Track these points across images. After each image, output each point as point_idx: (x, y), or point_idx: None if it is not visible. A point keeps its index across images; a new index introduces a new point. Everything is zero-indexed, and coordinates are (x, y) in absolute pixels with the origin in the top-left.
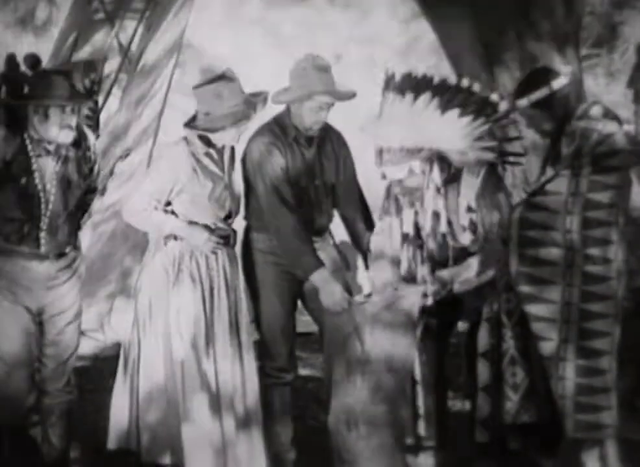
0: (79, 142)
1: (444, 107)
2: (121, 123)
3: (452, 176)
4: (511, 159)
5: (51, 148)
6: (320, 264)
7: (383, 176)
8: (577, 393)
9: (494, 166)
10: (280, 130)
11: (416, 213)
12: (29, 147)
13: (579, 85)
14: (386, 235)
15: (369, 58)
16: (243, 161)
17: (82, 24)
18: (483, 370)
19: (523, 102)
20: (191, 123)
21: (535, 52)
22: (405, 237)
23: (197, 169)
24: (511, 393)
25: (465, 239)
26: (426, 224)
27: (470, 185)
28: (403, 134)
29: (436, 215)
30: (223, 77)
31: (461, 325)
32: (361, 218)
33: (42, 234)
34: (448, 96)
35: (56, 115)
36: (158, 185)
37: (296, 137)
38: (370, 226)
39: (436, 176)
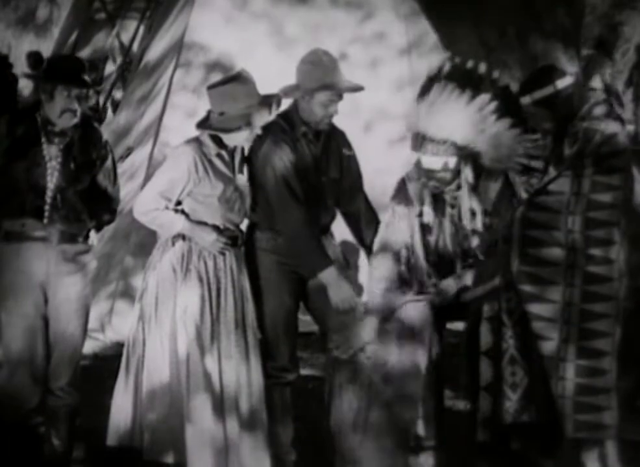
0: (86, 128)
1: (500, 114)
2: (123, 123)
3: (476, 179)
4: (534, 175)
5: (57, 129)
6: (329, 261)
7: (418, 163)
8: (577, 393)
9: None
10: (288, 125)
11: (437, 205)
12: (39, 125)
13: (582, 85)
14: (397, 225)
15: (372, 58)
16: (250, 157)
17: (83, 24)
18: (485, 369)
19: (526, 99)
20: (204, 123)
21: (537, 51)
22: (424, 228)
23: (209, 170)
24: (510, 392)
25: (473, 242)
26: (464, 221)
27: (486, 190)
28: (452, 128)
29: (472, 213)
30: (239, 78)
31: (461, 325)
32: (365, 215)
33: (46, 207)
34: (506, 103)
35: (61, 98)
36: (169, 185)
37: (304, 132)
38: (373, 223)
39: (469, 175)
